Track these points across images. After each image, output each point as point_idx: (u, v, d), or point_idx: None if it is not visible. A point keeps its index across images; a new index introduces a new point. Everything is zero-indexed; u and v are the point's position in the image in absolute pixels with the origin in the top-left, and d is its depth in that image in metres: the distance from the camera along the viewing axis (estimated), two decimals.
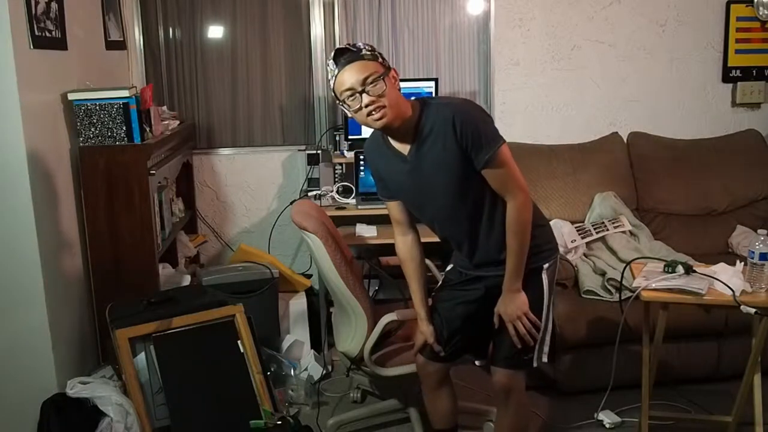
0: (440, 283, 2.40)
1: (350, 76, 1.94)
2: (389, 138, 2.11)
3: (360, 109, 1.96)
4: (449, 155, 2.01)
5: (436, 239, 2.31)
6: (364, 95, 1.94)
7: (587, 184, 3.62)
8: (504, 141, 2.03)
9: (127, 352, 2.46)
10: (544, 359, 2.24)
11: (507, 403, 2.24)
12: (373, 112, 1.96)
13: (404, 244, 2.29)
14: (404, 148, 2.09)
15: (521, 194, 2.06)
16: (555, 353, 2.92)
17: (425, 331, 2.29)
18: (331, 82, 2.00)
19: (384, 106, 1.95)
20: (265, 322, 3.19)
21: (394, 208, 2.25)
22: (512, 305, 2.12)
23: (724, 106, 4.04)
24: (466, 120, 1.99)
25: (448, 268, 2.35)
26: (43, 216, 2.48)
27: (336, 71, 1.97)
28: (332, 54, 1.99)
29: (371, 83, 1.94)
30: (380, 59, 1.99)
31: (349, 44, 2.01)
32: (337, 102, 2.02)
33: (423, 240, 2.32)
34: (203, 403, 2.49)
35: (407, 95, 3.72)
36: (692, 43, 3.95)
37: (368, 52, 1.97)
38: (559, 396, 3.07)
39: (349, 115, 2.03)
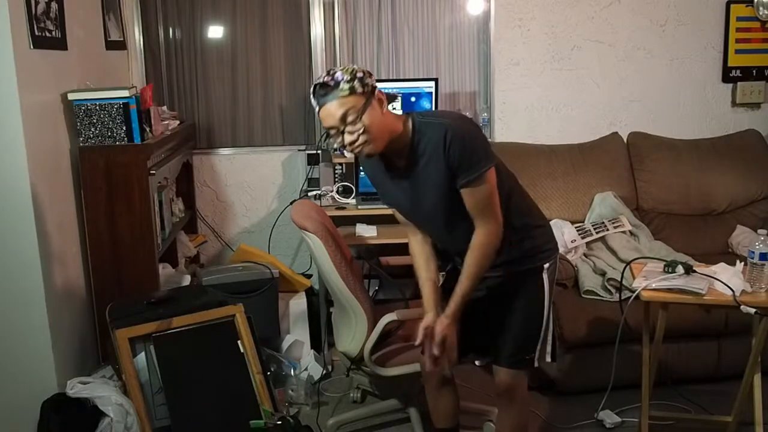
0: (441, 282, 2.39)
1: (328, 115, 1.90)
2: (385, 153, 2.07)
3: (343, 146, 1.94)
4: (441, 176, 1.98)
5: None
6: (345, 135, 1.91)
7: (587, 184, 3.62)
8: (492, 165, 1.98)
9: (127, 352, 2.46)
10: (547, 359, 2.24)
11: (509, 403, 2.24)
12: (356, 149, 1.94)
13: (415, 242, 2.25)
14: (400, 164, 2.06)
15: (494, 223, 2.02)
16: (554, 353, 2.91)
17: (429, 317, 2.15)
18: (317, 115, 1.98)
19: (366, 141, 1.92)
20: (265, 322, 3.19)
21: (398, 212, 2.24)
22: (449, 333, 2.06)
23: (724, 106, 4.04)
24: (455, 139, 1.94)
25: (449, 267, 2.35)
26: (43, 216, 2.48)
27: (316, 108, 1.93)
28: (312, 89, 1.94)
29: (350, 122, 1.89)
30: (360, 90, 1.89)
31: (328, 75, 1.91)
32: None
33: None
34: (203, 403, 2.49)
35: (407, 96, 3.72)
36: (692, 43, 3.95)
37: (346, 85, 1.88)
38: (559, 396, 3.07)
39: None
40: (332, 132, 1.94)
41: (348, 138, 1.92)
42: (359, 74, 1.91)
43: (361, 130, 1.90)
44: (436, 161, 1.97)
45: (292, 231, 3.79)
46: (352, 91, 1.89)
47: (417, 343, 2.26)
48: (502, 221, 2.04)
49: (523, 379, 2.24)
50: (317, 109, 1.93)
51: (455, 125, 1.97)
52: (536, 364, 2.22)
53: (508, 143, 3.76)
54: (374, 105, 1.92)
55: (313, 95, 1.93)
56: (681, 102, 4.01)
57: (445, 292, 2.33)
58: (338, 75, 1.90)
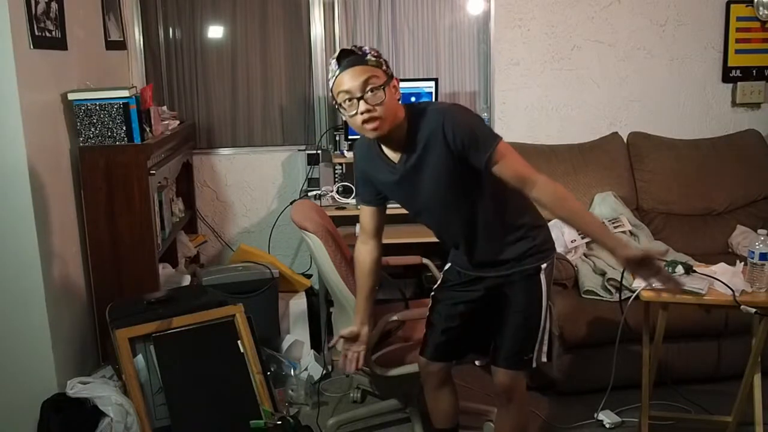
0: (438, 282, 2.39)
1: (350, 79, 1.90)
2: (381, 144, 2.08)
3: (356, 115, 1.92)
4: (442, 163, 1.99)
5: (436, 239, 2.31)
6: (361, 102, 1.90)
7: (587, 184, 3.62)
8: (500, 138, 2.00)
9: (127, 352, 2.46)
10: (543, 359, 2.24)
11: (508, 404, 2.24)
12: (369, 122, 1.92)
13: (361, 253, 2.27)
14: (395, 156, 2.07)
15: (540, 177, 1.99)
16: (550, 353, 2.91)
17: (351, 329, 2.25)
18: (330, 83, 1.96)
19: (380, 117, 1.91)
20: (265, 322, 3.19)
21: (365, 215, 2.24)
22: (650, 261, 1.92)
23: (724, 106, 4.04)
24: (458, 124, 1.95)
25: (446, 267, 2.35)
26: (43, 216, 2.48)
27: (337, 72, 1.92)
28: (336, 54, 1.95)
29: (371, 91, 1.90)
30: (384, 66, 1.95)
31: (354, 47, 1.95)
32: (334, 104, 1.98)
33: (422, 240, 2.32)
34: (203, 403, 2.48)
35: (407, 96, 3.74)
36: (692, 43, 3.95)
37: (373, 58, 1.93)
38: (559, 396, 3.07)
39: (344, 118, 1.99)
40: (346, 98, 1.92)
41: (363, 106, 1.90)
42: (383, 57, 1.97)
43: (379, 102, 1.90)
44: (435, 148, 1.98)
45: (292, 231, 3.79)
46: (378, 64, 1.93)
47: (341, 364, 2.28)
48: (541, 174, 2.00)
49: (522, 380, 2.24)
50: (337, 73, 1.92)
51: (452, 112, 2.00)
52: (534, 365, 2.22)
53: (508, 143, 3.75)
54: (391, 88, 1.95)
55: (336, 60, 1.92)
56: (681, 102, 4.02)
57: (444, 291, 2.33)
58: (365, 49, 1.94)
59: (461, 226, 2.13)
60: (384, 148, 2.09)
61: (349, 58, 1.92)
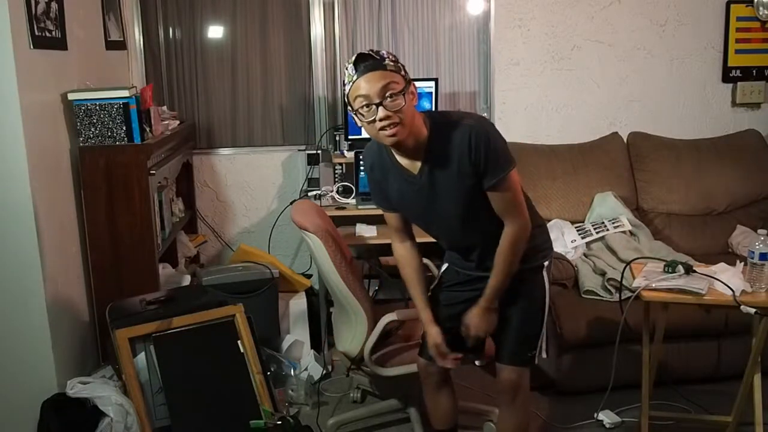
0: (435, 283, 2.37)
1: (369, 84, 1.85)
2: (394, 153, 2.04)
3: (373, 121, 1.87)
4: (465, 176, 1.97)
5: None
6: (380, 108, 1.85)
7: (587, 184, 3.62)
8: (515, 165, 2.00)
9: (127, 352, 2.46)
10: (543, 355, 2.24)
11: (511, 402, 2.24)
12: (387, 128, 1.87)
13: (404, 251, 2.25)
14: (412, 166, 2.02)
15: (522, 220, 2.04)
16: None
17: (433, 333, 2.22)
18: (347, 88, 1.90)
19: (398, 123, 1.86)
20: (265, 322, 3.19)
21: (393, 218, 2.21)
22: (484, 323, 2.13)
23: (724, 106, 4.04)
24: (481, 138, 1.93)
25: (444, 268, 2.34)
26: (43, 216, 2.48)
27: (354, 77, 1.87)
28: (353, 58, 1.89)
29: (390, 97, 1.85)
30: (402, 72, 1.91)
31: (372, 51, 1.90)
32: (350, 110, 1.93)
33: (422, 240, 2.31)
34: (203, 403, 2.49)
35: None
36: (692, 43, 3.95)
37: (391, 63, 1.88)
38: (559, 396, 3.07)
39: (359, 124, 1.94)
40: (363, 103, 1.87)
41: (382, 113, 1.85)
42: (401, 62, 1.93)
43: (398, 108, 1.86)
44: (458, 162, 1.96)
45: (292, 231, 3.79)
46: (397, 69, 1.89)
47: (441, 363, 2.23)
48: (528, 217, 2.07)
49: (526, 376, 2.24)
50: (355, 77, 1.87)
51: (478, 127, 1.97)
52: (536, 361, 2.22)
53: (508, 143, 3.75)
54: (409, 94, 1.91)
55: (354, 64, 1.88)
56: (681, 102, 4.02)
57: (442, 292, 2.33)
58: (383, 53, 1.90)
59: (475, 237, 2.12)
60: (399, 158, 2.04)
61: (366, 62, 1.86)
